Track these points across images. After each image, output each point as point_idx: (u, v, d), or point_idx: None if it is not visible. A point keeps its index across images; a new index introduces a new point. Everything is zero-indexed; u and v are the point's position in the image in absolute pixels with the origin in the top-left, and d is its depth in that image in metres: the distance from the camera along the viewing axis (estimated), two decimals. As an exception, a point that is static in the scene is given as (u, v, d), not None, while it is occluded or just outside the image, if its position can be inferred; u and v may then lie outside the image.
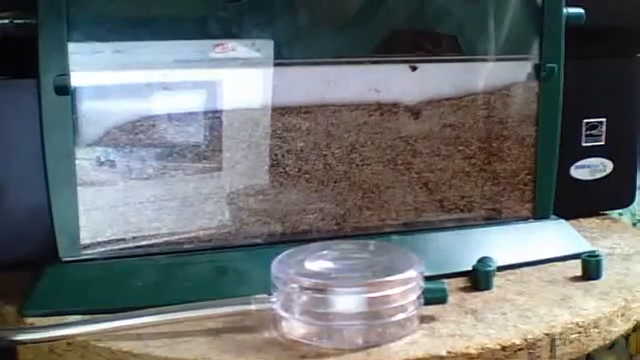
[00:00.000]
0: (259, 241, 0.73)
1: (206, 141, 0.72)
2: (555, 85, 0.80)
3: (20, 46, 0.67)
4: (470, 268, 0.72)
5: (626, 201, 0.93)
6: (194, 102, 0.72)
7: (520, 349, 0.60)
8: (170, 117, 0.71)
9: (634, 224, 1.15)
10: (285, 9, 0.73)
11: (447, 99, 0.77)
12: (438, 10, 0.77)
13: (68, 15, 0.66)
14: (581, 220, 0.89)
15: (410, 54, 0.76)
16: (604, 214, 0.93)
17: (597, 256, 0.73)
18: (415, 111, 0.77)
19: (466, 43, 0.78)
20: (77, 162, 0.68)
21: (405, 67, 0.76)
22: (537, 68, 0.80)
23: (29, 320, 0.63)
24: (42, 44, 0.65)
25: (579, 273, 0.73)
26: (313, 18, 0.74)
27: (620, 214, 1.07)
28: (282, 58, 0.73)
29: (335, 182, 0.75)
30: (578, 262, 0.74)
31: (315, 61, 0.75)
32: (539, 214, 0.81)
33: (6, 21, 0.70)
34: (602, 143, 0.90)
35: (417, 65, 0.76)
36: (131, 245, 0.70)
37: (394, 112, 0.76)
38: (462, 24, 0.78)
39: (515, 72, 0.80)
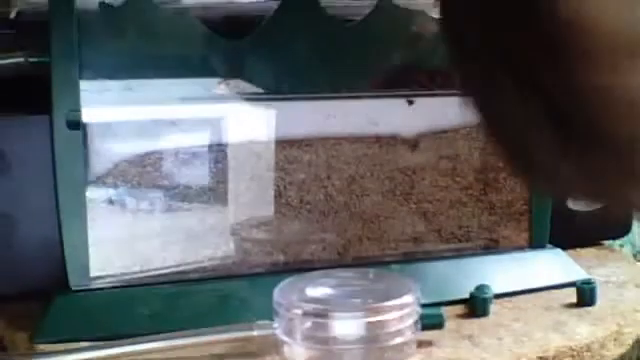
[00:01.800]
0: (262, 270, 0.75)
1: (211, 174, 0.74)
2: (549, 118, 0.82)
3: (33, 83, 0.70)
4: (467, 296, 0.73)
5: (623, 231, 0.95)
6: (199, 137, 0.75)
7: (514, 372, 0.62)
8: (177, 151, 0.73)
9: (634, 255, 1.16)
10: (286, 47, 0.76)
11: (444, 132, 0.80)
12: (435, 46, 0.80)
13: (80, 54, 0.69)
14: (578, 250, 0.91)
15: (407, 89, 0.79)
16: (601, 244, 0.95)
17: (592, 283, 0.75)
18: (413, 143, 0.79)
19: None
20: (87, 195, 0.70)
21: (402, 101, 0.79)
22: (531, 101, 0.82)
23: (39, 346, 0.65)
24: (55, 81, 0.68)
25: (574, 300, 0.75)
26: (313, 54, 0.77)
27: (621, 245, 1.09)
28: (284, 93, 0.76)
29: (336, 212, 0.77)
30: (573, 289, 0.75)
31: (315, 96, 0.78)
32: (535, 243, 0.83)
33: (21, 60, 0.73)
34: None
35: (414, 99, 0.79)
36: (138, 275, 0.72)
37: (392, 144, 0.79)
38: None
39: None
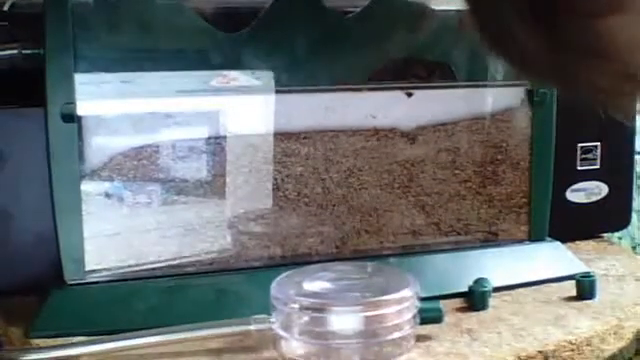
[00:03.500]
0: (259, 264, 0.74)
1: (208, 167, 0.74)
2: (548, 110, 0.82)
3: (28, 76, 0.69)
4: (466, 289, 0.73)
5: (622, 224, 0.95)
6: (197, 130, 0.74)
7: (514, 367, 0.61)
8: (173, 144, 0.73)
9: (634, 247, 1.16)
10: (284, 39, 0.75)
11: (442, 124, 0.79)
12: (433, 38, 0.80)
13: (75, 46, 0.68)
14: (578, 243, 0.90)
15: (405, 81, 0.79)
16: (600, 237, 0.95)
17: (591, 277, 0.75)
18: (411, 136, 0.79)
19: (460, 70, 0.80)
20: (82, 189, 0.70)
21: (401, 94, 0.78)
22: (530, 94, 0.82)
23: (35, 341, 0.65)
24: (49, 74, 0.68)
25: (574, 293, 0.74)
26: (311, 47, 0.76)
27: (620, 238, 1.08)
28: (282, 86, 0.75)
29: (334, 206, 0.77)
30: (573, 283, 0.75)
31: (314, 89, 0.77)
32: (535, 236, 0.82)
33: (15, 52, 0.73)
34: (597, 167, 0.92)
35: (412, 92, 0.78)
36: (134, 268, 0.71)
37: (391, 137, 0.78)
38: (456, 51, 0.80)
39: (509, 98, 0.82)
